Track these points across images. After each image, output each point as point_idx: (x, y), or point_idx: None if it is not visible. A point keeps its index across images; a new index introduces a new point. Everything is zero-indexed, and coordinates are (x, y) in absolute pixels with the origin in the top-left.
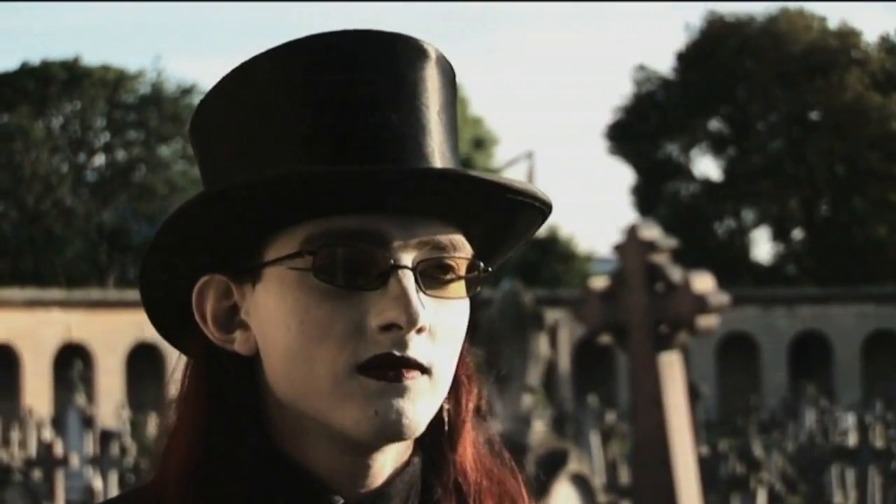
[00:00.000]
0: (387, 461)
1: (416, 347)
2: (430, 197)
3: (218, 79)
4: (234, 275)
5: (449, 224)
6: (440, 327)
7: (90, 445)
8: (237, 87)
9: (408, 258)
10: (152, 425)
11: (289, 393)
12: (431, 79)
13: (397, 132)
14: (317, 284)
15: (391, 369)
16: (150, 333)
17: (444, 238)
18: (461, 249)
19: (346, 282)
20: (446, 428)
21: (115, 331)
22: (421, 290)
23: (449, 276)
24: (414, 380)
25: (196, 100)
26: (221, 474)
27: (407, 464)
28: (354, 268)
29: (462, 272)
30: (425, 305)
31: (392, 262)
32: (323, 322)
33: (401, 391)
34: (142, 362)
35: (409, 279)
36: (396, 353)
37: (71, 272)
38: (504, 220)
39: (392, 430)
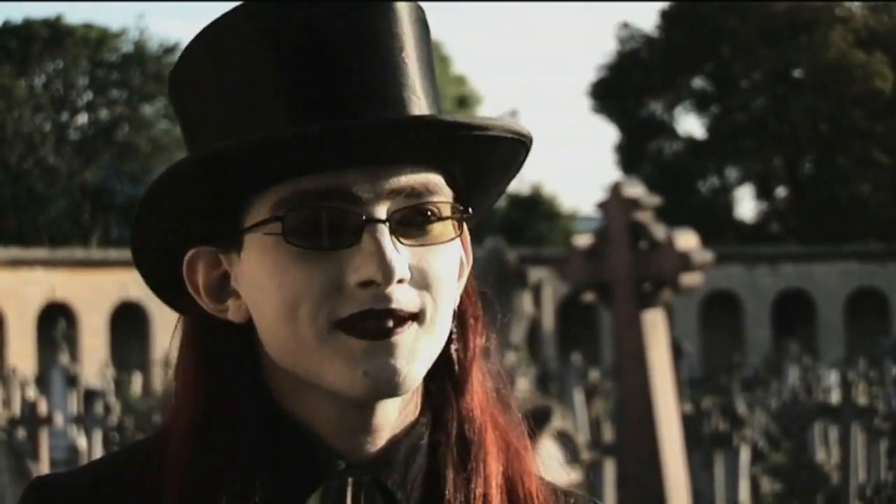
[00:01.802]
0: (389, 415)
1: (400, 298)
2: (394, 146)
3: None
4: (220, 244)
5: (423, 168)
6: (425, 273)
7: (74, 404)
8: (206, 45)
9: (380, 210)
10: (136, 384)
11: (281, 356)
12: (391, 20)
13: (358, 80)
14: (290, 247)
15: (375, 325)
16: (134, 293)
17: (419, 183)
18: (439, 192)
19: (318, 243)
20: (456, 368)
21: (98, 290)
22: (398, 240)
23: (429, 221)
24: (402, 333)
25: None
26: (225, 438)
27: (413, 424)
28: (326, 227)
29: (444, 214)
30: (404, 255)
31: (364, 216)
32: (300, 283)
33: (389, 349)
34: (126, 321)
35: (382, 233)
36: (378, 307)
37: (54, 231)
38: (479, 157)
39: (385, 389)
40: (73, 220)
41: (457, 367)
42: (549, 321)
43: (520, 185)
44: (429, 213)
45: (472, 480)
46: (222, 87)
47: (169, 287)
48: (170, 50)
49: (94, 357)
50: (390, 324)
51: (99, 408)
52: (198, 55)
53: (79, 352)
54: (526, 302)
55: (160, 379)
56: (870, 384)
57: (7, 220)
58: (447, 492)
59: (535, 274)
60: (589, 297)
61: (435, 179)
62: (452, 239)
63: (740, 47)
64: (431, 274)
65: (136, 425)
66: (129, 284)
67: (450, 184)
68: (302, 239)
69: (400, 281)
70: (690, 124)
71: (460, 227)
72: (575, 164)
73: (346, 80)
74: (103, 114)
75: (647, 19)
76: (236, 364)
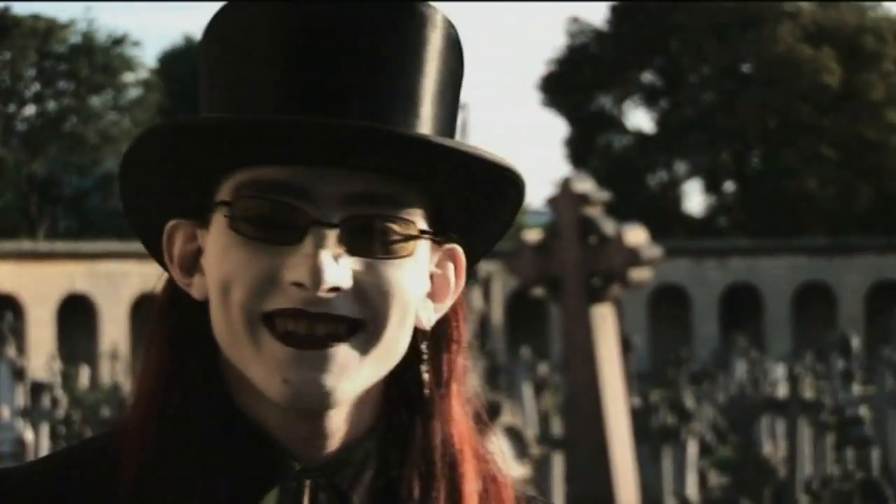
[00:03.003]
0: (335, 420)
1: (334, 305)
2: (359, 152)
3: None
4: (196, 218)
5: (392, 180)
6: (374, 286)
7: (21, 397)
8: (215, 24)
9: (334, 214)
10: (84, 377)
11: (222, 343)
12: (401, 30)
13: (345, 80)
14: (235, 234)
15: (306, 327)
16: (81, 285)
17: (382, 193)
18: (404, 207)
19: (258, 235)
20: (426, 391)
21: (45, 282)
22: (346, 248)
23: (387, 234)
24: (333, 348)
25: (127, 50)
26: (179, 430)
27: (370, 430)
28: (272, 221)
29: (404, 229)
30: (347, 264)
31: (312, 218)
32: (237, 267)
33: (316, 361)
34: (73, 314)
35: (324, 238)
36: (309, 310)
37: (1, 223)
38: (457, 183)
39: (307, 402)
40: (20, 212)
41: (427, 389)
42: (497, 315)
43: None
44: (385, 226)
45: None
46: (229, 63)
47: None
48: (118, 41)
49: (40, 350)
50: (322, 332)
51: (46, 401)
52: (218, 26)
53: (25, 345)
54: (476, 297)
55: (108, 372)
56: (817, 378)
57: None
58: None
59: (485, 268)
60: (538, 291)
61: (402, 193)
62: (408, 255)
63: (689, 42)
64: (379, 288)
65: (84, 418)
66: (77, 277)
67: (429, 204)
68: (249, 227)
69: (336, 290)
70: (639, 119)
71: (420, 247)
72: (525, 158)
73: (333, 77)
74: (51, 105)
75: (596, 14)
76: (196, 346)
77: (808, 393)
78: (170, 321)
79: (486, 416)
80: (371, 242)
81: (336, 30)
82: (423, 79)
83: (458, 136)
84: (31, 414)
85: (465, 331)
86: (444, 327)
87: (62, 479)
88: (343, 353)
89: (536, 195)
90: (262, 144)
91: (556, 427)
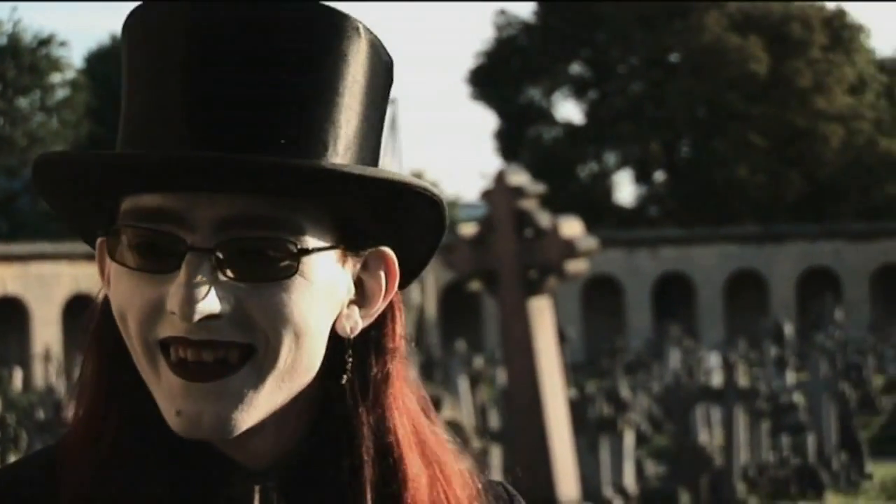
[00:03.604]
0: (274, 430)
1: (216, 332)
2: (234, 183)
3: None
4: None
5: (269, 200)
6: (256, 310)
7: None
8: (125, 32)
9: (208, 239)
10: (17, 379)
11: (137, 364)
12: (306, 41)
13: (233, 108)
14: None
15: (194, 355)
16: (13, 287)
17: (259, 215)
18: (287, 226)
19: (139, 264)
20: (349, 402)
21: None
22: (224, 273)
23: (265, 256)
24: (225, 377)
25: (54, 51)
26: (118, 450)
27: (310, 430)
28: (150, 249)
29: (284, 250)
30: (224, 290)
31: (187, 244)
32: (127, 296)
33: (206, 394)
34: (4, 316)
35: (197, 264)
36: (191, 338)
37: None
38: (347, 197)
39: (202, 433)
40: None
41: (349, 399)
42: (431, 308)
43: (400, 171)
44: (266, 247)
45: (399, 493)
46: (125, 82)
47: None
48: (44, 42)
49: None
50: (211, 358)
51: None
52: (126, 34)
53: None
54: (414, 291)
55: (41, 374)
56: (750, 366)
57: None
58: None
59: None
60: (475, 285)
61: (283, 213)
62: (294, 275)
63: (617, 33)
64: (265, 311)
65: (18, 421)
66: (7, 279)
67: (332, 217)
68: (130, 256)
69: (215, 317)
70: (569, 110)
71: (353, 254)
72: (456, 151)
73: (221, 102)
74: None
75: (524, 6)
76: (131, 364)
77: (742, 380)
78: (104, 337)
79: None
80: (251, 265)
81: (234, 44)
82: (328, 94)
83: (386, 132)
84: None
85: (401, 334)
86: (376, 332)
87: (5, 497)
88: (236, 382)
89: (469, 189)
90: (134, 178)
91: (493, 420)
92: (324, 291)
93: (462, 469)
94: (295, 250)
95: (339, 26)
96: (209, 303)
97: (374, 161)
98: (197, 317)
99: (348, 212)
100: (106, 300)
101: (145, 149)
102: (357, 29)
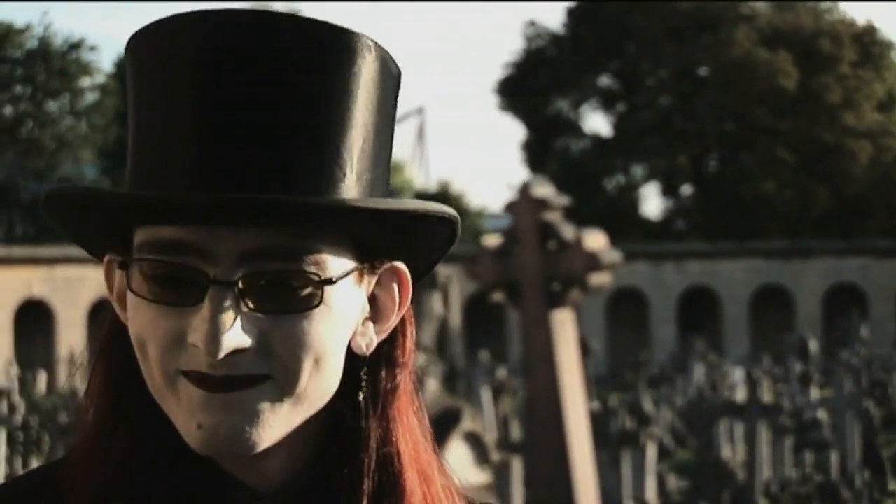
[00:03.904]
0: (285, 454)
1: (238, 365)
2: (257, 221)
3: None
4: (121, 256)
5: (289, 232)
6: (279, 342)
7: None
8: (129, 56)
9: (231, 272)
10: (41, 383)
11: (152, 391)
12: (322, 69)
13: (243, 139)
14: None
15: (210, 386)
16: (39, 290)
17: (279, 247)
18: (309, 255)
19: (158, 297)
20: (363, 421)
21: (2, 288)
22: (247, 304)
23: (287, 288)
24: (243, 391)
25: (84, 55)
26: (125, 471)
27: (320, 453)
28: (172, 282)
29: (306, 281)
30: (248, 322)
31: (210, 277)
32: (147, 326)
33: (228, 404)
34: (30, 319)
35: (221, 299)
36: (213, 374)
37: None
38: (366, 226)
39: (224, 447)
40: None
41: (363, 418)
42: (456, 319)
43: (427, 182)
44: (290, 279)
45: None
46: (134, 105)
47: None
48: (74, 46)
49: None
50: (228, 387)
51: (3, 406)
52: (130, 57)
53: None
54: (436, 302)
55: (65, 377)
56: (775, 381)
57: None
58: None
59: (444, 272)
60: (498, 296)
61: (305, 243)
62: (318, 305)
63: (646, 45)
64: (286, 343)
65: (41, 424)
66: (34, 282)
67: (348, 239)
68: (152, 288)
69: (238, 351)
70: (596, 122)
71: (369, 271)
72: (482, 162)
73: (238, 139)
74: (7, 110)
75: (553, 17)
76: (141, 383)
77: (766, 396)
78: (113, 357)
79: (443, 423)
80: (274, 298)
81: (244, 73)
82: (343, 118)
83: (413, 141)
84: None
85: (412, 348)
86: (388, 347)
87: None
88: (254, 396)
89: (495, 199)
90: (154, 215)
91: (515, 431)
92: (343, 315)
93: (451, 488)
94: (318, 280)
95: (351, 47)
96: (234, 337)
97: (387, 173)
98: (223, 353)
99: (367, 236)
100: (114, 314)
101: (158, 183)
102: (369, 47)
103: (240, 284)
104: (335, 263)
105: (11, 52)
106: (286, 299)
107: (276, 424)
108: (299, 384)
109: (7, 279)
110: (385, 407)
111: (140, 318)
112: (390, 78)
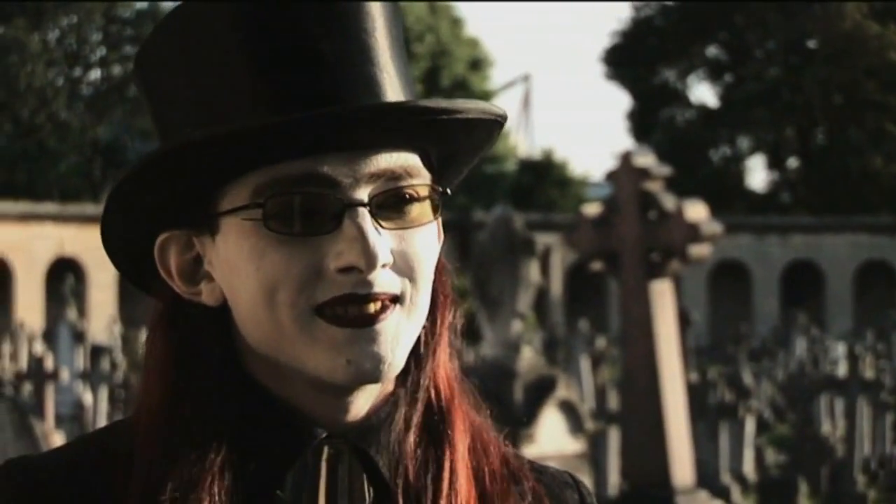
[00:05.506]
0: (369, 396)
1: (382, 282)
2: (372, 131)
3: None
4: (193, 227)
5: (401, 151)
6: (407, 256)
7: (81, 360)
8: (176, 28)
9: (361, 194)
10: (143, 341)
11: (260, 340)
12: (362, 4)
13: (332, 64)
14: (270, 233)
15: (357, 310)
16: None
17: (398, 166)
18: (418, 175)
19: (299, 229)
20: (421, 348)
21: None
22: (379, 224)
23: (409, 203)
24: (384, 321)
25: None
26: (197, 414)
27: (389, 395)
28: (306, 213)
29: (423, 196)
30: (385, 239)
31: (344, 201)
32: (279, 267)
33: (372, 336)
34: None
35: (363, 217)
36: (360, 292)
37: (65, 186)
38: (456, 138)
39: (369, 377)
40: (83, 176)
41: (422, 345)
42: (556, 288)
43: (531, 149)
44: (408, 195)
45: (441, 453)
46: (193, 72)
47: (135, 270)
48: None
49: (101, 313)
50: (372, 309)
51: (105, 364)
52: (167, 38)
53: (86, 307)
54: (533, 270)
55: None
56: (877, 357)
57: (18, 175)
58: (419, 462)
59: (545, 240)
60: (597, 266)
61: (413, 162)
62: (431, 221)
63: (755, 16)
64: (412, 257)
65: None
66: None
67: (426, 164)
68: (282, 224)
69: (383, 266)
70: (703, 93)
71: (438, 208)
72: (587, 130)
73: (320, 64)
74: (116, 70)
75: None
76: (210, 347)
77: (868, 372)
78: (175, 328)
79: (538, 391)
80: (399, 214)
81: (301, 15)
82: (391, 47)
83: (519, 107)
84: (91, 377)
85: (448, 282)
86: (434, 283)
87: (83, 466)
88: (392, 324)
89: (598, 165)
90: (285, 144)
91: (613, 401)
92: (440, 235)
93: (496, 438)
94: (436, 194)
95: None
96: (383, 250)
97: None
98: (379, 264)
99: (441, 153)
100: (166, 303)
101: (262, 116)
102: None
103: (371, 204)
104: (434, 179)
105: (121, 12)
106: (410, 214)
107: (406, 346)
108: (420, 300)
109: None
110: (439, 336)
111: (268, 262)
112: (399, 7)
